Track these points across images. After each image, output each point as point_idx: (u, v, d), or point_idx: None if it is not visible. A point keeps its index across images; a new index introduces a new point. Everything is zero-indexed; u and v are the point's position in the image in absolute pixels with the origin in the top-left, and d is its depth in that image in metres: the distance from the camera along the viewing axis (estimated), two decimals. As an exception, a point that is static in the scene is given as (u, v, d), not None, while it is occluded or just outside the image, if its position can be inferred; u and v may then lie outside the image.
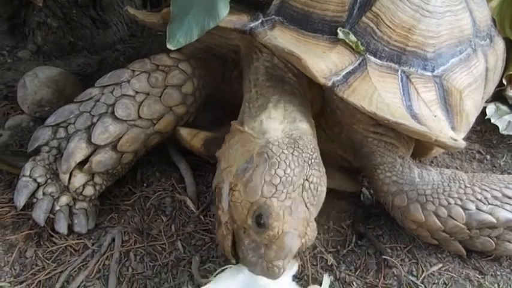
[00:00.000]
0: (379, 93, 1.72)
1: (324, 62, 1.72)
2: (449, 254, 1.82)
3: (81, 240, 1.82)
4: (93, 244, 1.81)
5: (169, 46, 1.77)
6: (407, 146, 1.92)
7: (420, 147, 2.00)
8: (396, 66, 1.84)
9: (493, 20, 2.40)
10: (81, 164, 1.76)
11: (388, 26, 1.82)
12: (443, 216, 1.69)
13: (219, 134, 1.87)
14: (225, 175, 1.57)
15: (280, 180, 1.45)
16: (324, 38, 1.82)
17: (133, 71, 1.89)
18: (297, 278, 1.70)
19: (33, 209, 1.77)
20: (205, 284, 1.51)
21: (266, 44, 1.76)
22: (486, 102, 2.52)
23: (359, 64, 1.78)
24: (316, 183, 1.52)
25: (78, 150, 1.73)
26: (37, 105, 2.32)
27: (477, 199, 1.71)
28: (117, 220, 1.91)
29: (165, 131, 1.91)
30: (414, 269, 1.77)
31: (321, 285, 1.66)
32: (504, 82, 2.62)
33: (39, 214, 1.75)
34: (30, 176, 1.78)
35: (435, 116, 1.84)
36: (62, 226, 1.79)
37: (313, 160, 1.55)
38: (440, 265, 1.78)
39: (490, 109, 2.58)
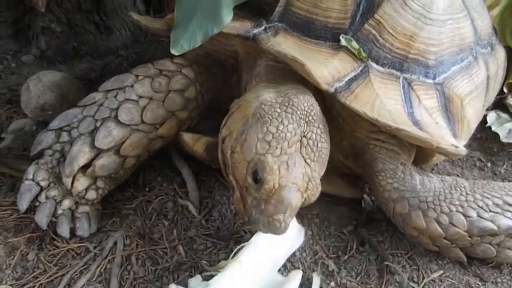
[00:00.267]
0: (381, 100, 1.73)
1: (326, 68, 1.73)
2: (450, 261, 1.83)
3: (83, 244, 1.82)
4: (95, 248, 1.82)
5: (173, 51, 1.79)
6: (408, 153, 1.93)
7: (421, 154, 2.00)
8: (398, 73, 1.85)
9: (494, 29, 2.42)
10: (84, 168, 1.77)
11: (390, 34, 1.83)
12: (445, 224, 1.69)
13: (221, 139, 1.88)
14: (227, 141, 1.61)
15: (273, 136, 1.48)
16: (327, 44, 1.84)
17: (137, 75, 1.90)
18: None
19: (35, 212, 1.78)
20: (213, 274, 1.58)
21: (269, 50, 1.77)
22: (487, 110, 2.52)
23: (361, 71, 1.79)
24: (316, 139, 1.54)
25: (81, 154, 1.74)
26: (40, 109, 2.33)
27: (478, 206, 1.71)
28: (119, 224, 1.92)
29: (167, 135, 1.92)
30: (415, 276, 1.77)
31: (311, 284, 1.68)
32: (505, 90, 2.64)
33: (42, 217, 1.76)
34: (33, 180, 1.79)
35: (436, 123, 1.85)
36: (64, 230, 1.79)
37: (310, 117, 1.57)
38: (441, 272, 1.79)
39: (491, 117, 2.59)
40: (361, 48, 1.81)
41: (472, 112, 2.04)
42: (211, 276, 1.58)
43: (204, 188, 2.09)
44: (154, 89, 1.88)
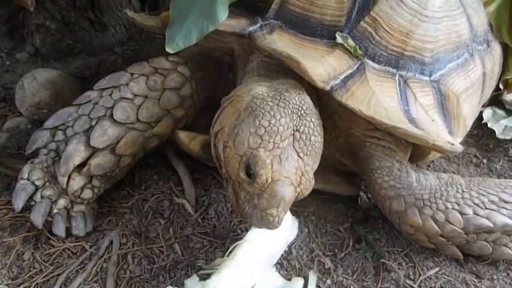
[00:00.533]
0: (377, 98, 1.73)
1: (322, 66, 1.73)
2: (446, 258, 1.83)
3: (79, 243, 1.82)
4: (91, 247, 1.82)
5: (168, 49, 1.78)
6: (404, 151, 1.93)
7: (417, 152, 2.00)
8: (394, 70, 1.84)
9: (490, 25, 2.41)
10: (80, 167, 1.77)
11: (386, 31, 1.83)
12: (441, 221, 1.69)
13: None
14: (220, 135, 1.60)
15: (265, 130, 1.47)
16: (323, 42, 1.83)
17: (132, 74, 1.89)
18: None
19: (31, 211, 1.77)
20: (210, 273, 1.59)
21: (265, 47, 1.77)
22: (483, 106, 2.52)
23: (357, 68, 1.79)
24: (308, 133, 1.53)
25: (76, 153, 1.74)
26: (35, 107, 2.32)
27: (474, 204, 1.71)
28: (115, 223, 1.92)
29: (163, 134, 1.92)
30: (411, 273, 1.77)
31: (307, 282, 1.68)
32: (501, 87, 2.63)
33: (37, 217, 1.75)
34: (28, 179, 1.78)
35: (433, 121, 1.85)
36: (59, 229, 1.79)
37: (303, 111, 1.56)
38: (437, 269, 1.79)
39: (487, 113, 2.58)
40: (357, 46, 1.80)
41: (468, 109, 2.04)
42: (208, 275, 1.58)
43: (200, 186, 2.09)
44: (150, 87, 1.87)
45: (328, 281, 1.72)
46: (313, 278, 1.68)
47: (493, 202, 1.73)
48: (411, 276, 1.76)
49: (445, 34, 1.94)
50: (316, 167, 1.60)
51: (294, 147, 1.50)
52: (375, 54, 1.83)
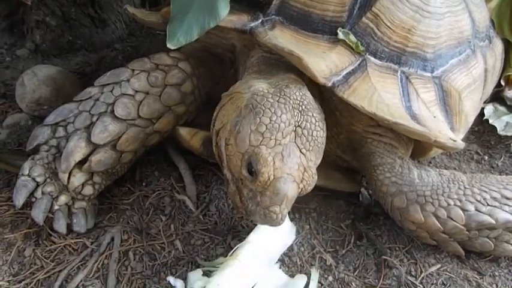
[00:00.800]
0: (379, 94, 1.73)
1: (324, 62, 1.72)
2: (448, 255, 1.83)
3: (80, 240, 1.82)
4: (92, 243, 1.81)
5: (169, 45, 1.77)
6: (406, 147, 1.92)
7: (419, 148, 2.00)
8: (396, 66, 1.84)
9: (492, 21, 2.41)
10: (81, 163, 1.76)
11: (388, 27, 1.82)
12: (443, 218, 1.69)
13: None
14: (221, 133, 1.60)
15: (266, 127, 1.46)
16: (324, 38, 1.82)
17: (133, 70, 1.89)
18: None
19: (32, 208, 1.77)
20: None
21: (266, 43, 1.76)
22: (484, 103, 2.52)
23: (359, 64, 1.78)
24: (310, 128, 1.53)
25: (77, 149, 1.73)
26: (35, 103, 2.32)
27: (476, 200, 1.71)
28: (116, 219, 1.91)
29: (164, 130, 1.91)
30: (413, 269, 1.77)
31: (309, 278, 1.68)
32: (502, 83, 2.63)
33: (38, 213, 1.75)
34: (29, 175, 1.78)
35: (434, 117, 1.84)
36: (61, 225, 1.78)
37: (304, 106, 1.55)
38: (439, 265, 1.79)
39: (488, 110, 2.58)
40: (358, 42, 1.80)
41: (470, 105, 2.04)
42: (210, 272, 1.58)
43: (201, 182, 2.09)
44: (151, 84, 1.86)
45: (330, 278, 1.72)
46: (315, 275, 1.68)
47: (495, 199, 1.73)
48: (413, 273, 1.76)
49: (447, 30, 1.93)
50: (319, 162, 1.59)
51: (296, 143, 1.50)
52: (376, 50, 1.83)
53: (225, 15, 1.74)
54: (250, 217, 1.51)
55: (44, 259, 1.74)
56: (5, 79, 2.71)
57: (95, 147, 1.76)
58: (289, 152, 1.47)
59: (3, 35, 3.03)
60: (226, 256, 1.63)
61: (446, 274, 1.76)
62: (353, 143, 1.96)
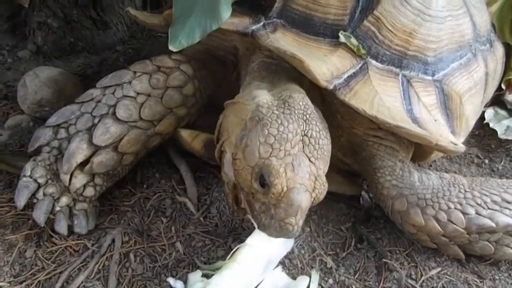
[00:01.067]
0: (380, 97, 1.73)
1: (325, 65, 1.72)
2: (448, 258, 1.83)
3: (81, 241, 1.82)
4: (93, 245, 1.81)
5: (171, 48, 1.77)
6: (407, 150, 1.93)
7: (419, 151, 2.00)
8: (397, 70, 1.84)
9: (493, 25, 2.42)
10: (82, 165, 1.76)
11: (390, 30, 1.83)
12: (443, 221, 1.69)
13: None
14: (227, 146, 1.60)
15: (275, 138, 1.45)
16: (326, 41, 1.83)
17: (135, 72, 1.89)
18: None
19: (33, 209, 1.77)
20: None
21: (268, 46, 1.76)
22: (485, 106, 2.52)
23: (360, 68, 1.78)
24: (316, 137, 1.52)
25: (79, 150, 1.73)
26: (37, 105, 2.32)
27: (477, 204, 1.71)
28: (117, 221, 1.92)
29: (165, 132, 1.91)
30: (413, 273, 1.78)
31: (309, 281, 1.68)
32: (503, 87, 2.63)
33: (40, 214, 1.75)
34: (30, 177, 1.78)
35: (435, 120, 1.84)
36: (62, 227, 1.79)
37: (308, 116, 1.54)
38: (439, 269, 1.79)
39: (489, 113, 2.59)
40: (360, 45, 1.80)
41: (471, 109, 2.04)
42: (209, 275, 1.58)
43: (202, 184, 2.09)
44: (153, 86, 1.87)
45: (330, 281, 1.72)
46: (315, 277, 1.68)
47: (495, 202, 1.73)
48: (413, 276, 1.76)
49: (448, 34, 1.94)
50: (326, 170, 1.58)
51: (304, 152, 1.48)
52: (378, 53, 1.83)
53: (227, 18, 1.74)
54: (265, 231, 1.48)
55: (45, 260, 1.75)
56: (7, 80, 2.71)
57: (96, 149, 1.76)
58: (299, 161, 1.45)
59: (5, 36, 3.04)
60: (225, 259, 1.63)
61: (446, 277, 1.76)
62: (354, 145, 1.96)
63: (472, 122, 2.13)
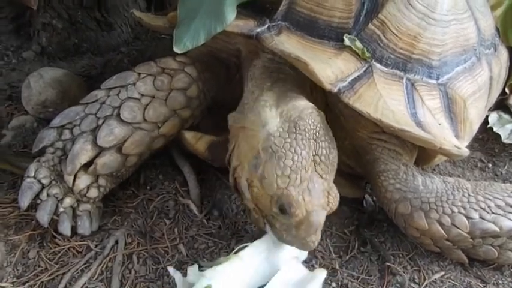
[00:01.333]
0: (385, 100, 1.73)
1: (330, 68, 1.72)
2: (452, 262, 1.83)
3: (84, 242, 1.82)
4: (96, 246, 1.82)
5: (176, 49, 1.77)
6: (411, 154, 1.92)
7: (423, 155, 2.00)
8: (401, 73, 1.84)
9: (497, 29, 2.41)
10: (86, 166, 1.77)
11: (394, 34, 1.83)
12: (447, 225, 1.69)
13: (223, 138, 1.87)
14: (240, 171, 1.62)
15: (291, 169, 1.48)
16: (330, 44, 1.83)
17: (139, 73, 1.89)
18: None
19: (37, 210, 1.77)
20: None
21: (272, 49, 1.76)
22: (489, 110, 2.52)
23: (365, 71, 1.78)
24: (326, 153, 1.55)
25: (83, 152, 1.74)
26: (41, 106, 2.33)
27: (481, 208, 1.71)
28: (121, 222, 1.92)
29: (169, 134, 1.91)
30: (416, 277, 1.77)
31: None
32: (507, 91, 2.63)
33: (43, 215, 1.75)
34: (34, 177, 1.78)
35: (439, 124, 1.84)
36: (65, 227, 1.79)
37: (318, 133, 1.57)
38: (443, 273, 1.79)
39: (493, 118, 2.58)
40: (364, 48, 1.80)
41: (475, 113, 2.04)
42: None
43: (206, 186, 2.09)
44: (157, 87, 1.87)
45: (333, 284, 1.72)
46: (321, 273, 1.65)
47: (499, 207, 1.73)
48: (416, 280, 1.76)
49: (452, 37, 1.94)
50: (333, 178, 1.62)
51: (316, 171, 1.53)
52: (382, 56, 1.83)
53: (231, 20, 1.75)
54: (287, 244, 1.56)
55: (48, 261, 1.75)
56: (11, 81, 2.72)
57: (100, 150, 1.76)
58: (313, 183, 1.50)
59: (9, 37, 3.05)
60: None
61: (449, 282, 1.76)
62: (357, 149, 1.96)
63: (476, 126, 2.12)
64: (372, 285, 1.73)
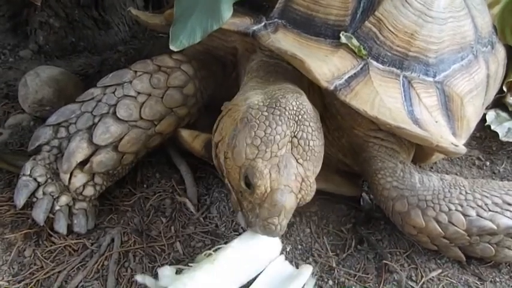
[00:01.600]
0: (381, 98, 1.73)
1: (326, 65, 1.72)
2: (449, 260, 1.82)
3: (80, 240, 1.81)
4: (92, 244, 1.81)
5: (172, 47, 1.77)
6: (408, 151, 1.92)
7: (420, 153, 2.00)
8: (398, 71, 1.84)
9: (494, 27, 2.41)
10: (82, 164, 1.76)
11: (391, 31, 1.82)
12: (444, 222, 1.68)
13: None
14: (221, 146, 1.61)
15: (261, 140, 1.47)
16: (327, 41, 1.83)
17: (136, 71, 1.89)
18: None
19: (32, 208, 1.77)
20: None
21: (269, 46, 1.76)
22: (486, 108, 2.52)
23: (361, 68, 1.78)
24: (307, 138, 1.52)
25: (79, 150, 1.73)
26: (38, 104, 2.32)
27: (478, 205, 1.70)
28: (117, 221, 1.91)
29: (166, 132, 1.91)
30: (413, 274, 1.77)
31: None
32: (504, 89, 2.63)
33: (39, 213, 1.75)
34: (30, 175, 1.78)
35: (436, 122, 1.84)
36: (61, 226, 1.78)
37: (300, 116, 1.55)
38: (440, 271, 1.78)
39: (490, 116, 2.58)
40: (361, 46, 1.80)
41: (472, 111, 2.04)
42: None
43: (202, 185, 2.09)
44: (153, 85, 1.87)
45: (330, 282, 1.72)
46: (308, 270, 1.66)
47: (496, 204, 1.72)
48: (413, 278, 1.76)
49: (449, 35, 1.94)
50: (318, 171, 1.59)
51: (292, 153, 1.50)
52: (379, 54, 1.83)
53: (228, 18, 1.74)
54: (251, 228, 1.52)
55: (44, 259, 1.74)
56: (8, 80, 2.72)
57: (96, 148, 1.76)
58: (285, 163, 1.47)
59: (6, 35, 3.04)
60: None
61: (447, 279, 1.75)
62: (354, 146, 1.96)
63: (473, 124, 2.12)
64: (369, 283, 1.73)
